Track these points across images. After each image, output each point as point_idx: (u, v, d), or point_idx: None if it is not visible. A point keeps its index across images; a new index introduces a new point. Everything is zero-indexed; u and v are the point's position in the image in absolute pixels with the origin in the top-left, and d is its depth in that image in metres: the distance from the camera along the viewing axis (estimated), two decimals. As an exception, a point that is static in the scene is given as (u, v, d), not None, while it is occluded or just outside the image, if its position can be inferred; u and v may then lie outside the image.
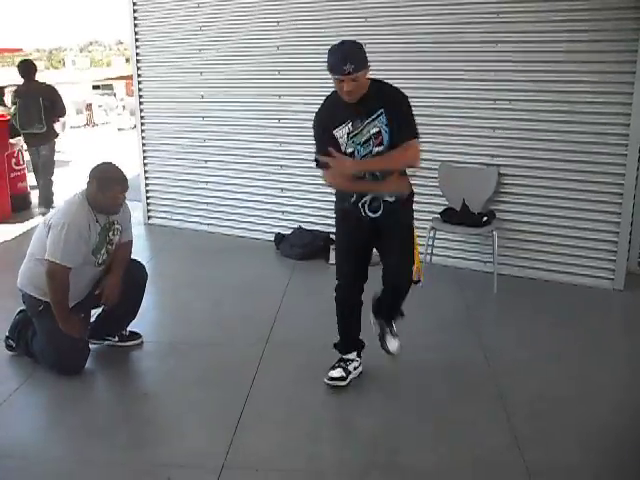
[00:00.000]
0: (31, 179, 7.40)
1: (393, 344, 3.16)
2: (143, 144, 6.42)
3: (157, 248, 5.82)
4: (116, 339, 3.62)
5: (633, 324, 4.12)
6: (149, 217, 6.52)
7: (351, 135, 2.82)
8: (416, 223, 3.18)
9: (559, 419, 2.87)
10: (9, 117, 7.17)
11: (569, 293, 4.45)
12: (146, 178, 6.48)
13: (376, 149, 2.83)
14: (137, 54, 6.24)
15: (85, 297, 3.41)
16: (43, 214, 6.65)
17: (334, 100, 2.85)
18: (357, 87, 2.71)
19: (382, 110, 2.78)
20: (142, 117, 6.37)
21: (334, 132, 2.85)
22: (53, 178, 7.05)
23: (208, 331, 3.87)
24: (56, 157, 7.13)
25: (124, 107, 21.66)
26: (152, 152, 6.40)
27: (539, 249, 4.65)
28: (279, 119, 5.57)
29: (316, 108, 2.97)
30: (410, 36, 4.81)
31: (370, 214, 2.92)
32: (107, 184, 3.21)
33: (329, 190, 3.39)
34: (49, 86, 6.90)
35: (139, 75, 6.29)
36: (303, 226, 5.53)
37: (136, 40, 6.20)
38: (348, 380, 3.13)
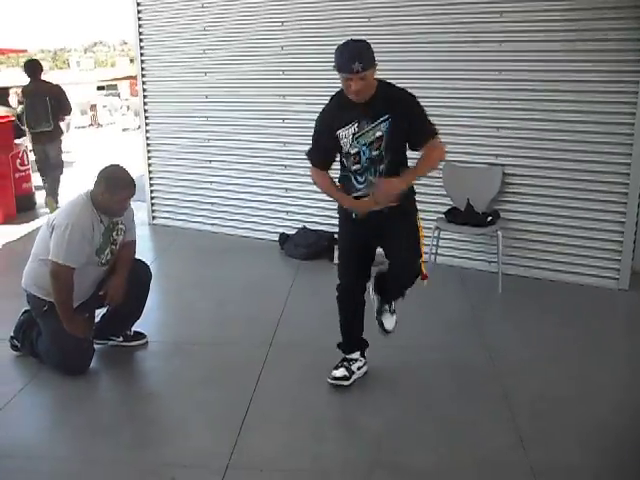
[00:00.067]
0: (36, 179, 7.41)
1: (389, 322, 3.12)
2: (147, 144, 6.42)
3: (161, 248, 5.82)
4: (121, 339, 3.62)
5: (637, 324, 4.10)
6: (153, 217, 6.53)
7: (356, 136, 2.82)
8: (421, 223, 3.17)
9: (561, 419, 2.86)
10: (14, 118, 7.19)
11: (574, 293, 4.43)
12: (150, 178, 6.48)
13: (375, 152, 2.82)
14: (141, 54, 6.25)
15: (89, 297, 3.41)
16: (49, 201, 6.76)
17: (340, 100, 2.84)
18: (365, 86, 2.69)
19: (388, 116, 2.76)
20: (146, 117, 6.38)
21: (338, 132, 2.84)
22: (61, 176, 7.07)
23: (213, 331, 3.87)
24: (62, 156, 7.15)
25: (128, 107, 21.66)
26: (156, 152, 6.40)
27: (544, 249, 4.64)
28: (283, 119, 5.57)
29: (320, 108, 2.97)
30: (413, 36, 4.80)
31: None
32: (116, 188, 3.20)
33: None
34: (55, 85, 6.93)
35: (143, 75, 6.30)
36: (307, 226, 5.53)
37: (140, 41, 6.20)
38: (352, 380, 3.13)
